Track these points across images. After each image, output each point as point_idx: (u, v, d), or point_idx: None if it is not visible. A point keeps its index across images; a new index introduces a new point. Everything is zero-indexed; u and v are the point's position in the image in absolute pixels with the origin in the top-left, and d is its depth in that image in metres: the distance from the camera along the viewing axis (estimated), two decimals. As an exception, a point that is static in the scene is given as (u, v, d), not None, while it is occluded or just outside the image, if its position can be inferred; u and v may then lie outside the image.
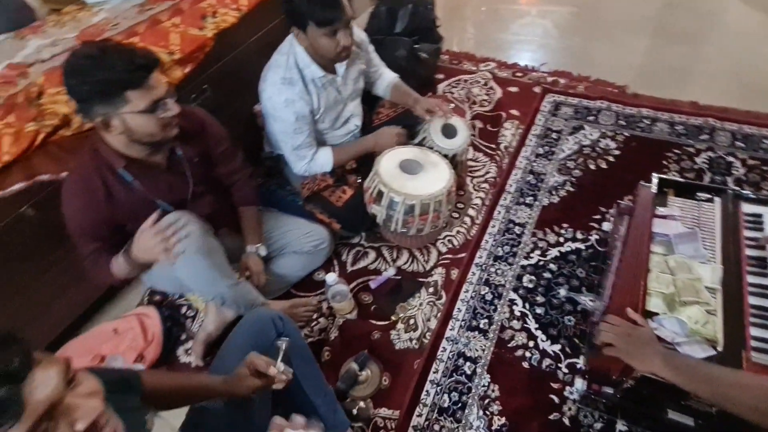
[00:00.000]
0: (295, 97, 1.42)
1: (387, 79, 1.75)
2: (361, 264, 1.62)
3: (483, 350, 1.35)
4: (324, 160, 1.56)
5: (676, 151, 1.78)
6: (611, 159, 1.80)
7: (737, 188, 1.36)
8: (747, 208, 1.22)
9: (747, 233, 1.16)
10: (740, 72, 2.10)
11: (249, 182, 1.47)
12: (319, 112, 1.52)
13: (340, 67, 1.50)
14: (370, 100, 1.84)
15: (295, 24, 1.34)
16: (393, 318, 1.46)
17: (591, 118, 1.98)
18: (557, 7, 2.81)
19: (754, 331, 0.99)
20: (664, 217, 1.23)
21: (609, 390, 1.13)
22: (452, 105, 1.70)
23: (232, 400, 0.97)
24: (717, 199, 1.26)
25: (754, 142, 1.77)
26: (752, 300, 1.04)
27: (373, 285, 1.56)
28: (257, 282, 1.39)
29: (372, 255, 1.65)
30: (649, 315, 1.05)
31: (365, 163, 1.74)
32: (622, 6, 2.70)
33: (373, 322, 1.46)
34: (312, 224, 1.58)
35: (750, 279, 1.07)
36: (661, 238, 1.19)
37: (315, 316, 1.49)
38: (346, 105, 1.63)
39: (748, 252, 1.12)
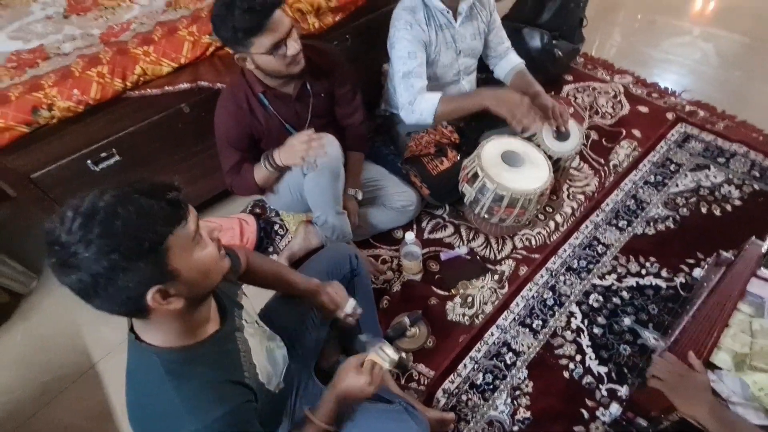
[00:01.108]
0: (414, 22, 1.47)
1: (512, 62, 1.74)
2: (438, 235, 1.72)
3: (529, 347, 1.40)
4: (430, 101, 1.49)
5: (811, 220, 1.60)
6: (728, 208, 1.67)
7: None
8: None
9: None
10: None
11: (361, 129, 1.60)
12: (434, 49, 1.54)
13: (461, 12, 1.53)
14: (491, 83, 1.86)
15: None
16: (453, 291, 1.55)
17: (721, 159, 1.83)
18: (726, 33, 2.53)
19: (825, 420, 0.94)
20: (765, 279, 1.16)
21: (643, 423, 1.13)
22: (572, 110, 1.66)
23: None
24: (835, 281, 1.15)
25: None
26: (834, 390, 0.97)
27: (443, 257, 1.65)
28: (353, 221, 1.54)
29: (450, 229, 1.73)
30: (712, 367, 1.03)
31: (468, 142, 1.80)
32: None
33: (434, 288, 1.56)
34: (405, 185, 1.69)
35: (842, 369, 1.00)
36: (754, 299, 1.13)
37: (385, 268, 1.63)
38: (459, 58, 1.63)
39: None
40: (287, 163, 1.31)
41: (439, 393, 1.33)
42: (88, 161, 1.36)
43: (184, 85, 1.43)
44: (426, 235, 1.72)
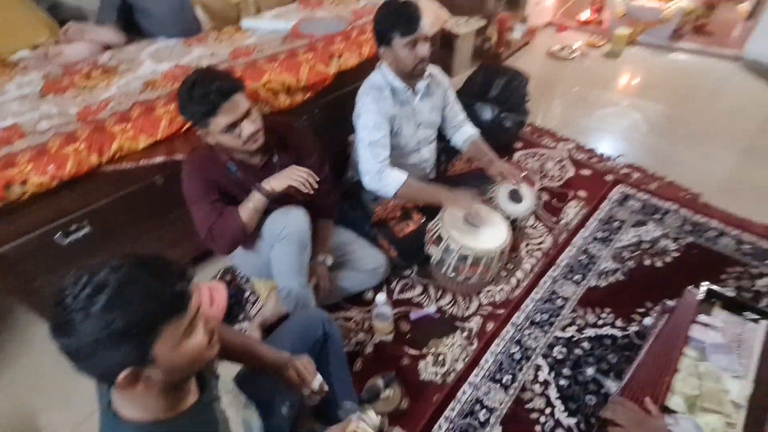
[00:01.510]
0: (381, 98, 1.62)
1: (468, 132, 1.92)
2: (407, 295, 1.77)
3: (500, 403, 1.43)
4: (396, 178, 1.63)
5: (738, 268, 1.78)
6: (668, 260, 1.84)
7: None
8: (792, 337, 1.23)
9: (786, 361, 1.18)
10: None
11: (329, 198, 1.69)
12: (397, 122, 1.69)
13: (419, 91, 1.70)
14: (449, 151, 2.03)
15: (383, 42, 1.57)
16: (425, 350, 1.58)
17: (657, 216, 2.03)
18: (650, 103, 2.90)
19: (770, 456, 1.01)
20: (705, 324, 1.28)
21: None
22: (524, 173, 1.84)
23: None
24: (764, 322, 1.28)
25: (826, 280, 1.74)
26: (777, 426, 1.06)
27: (413, 316, 1.69)
28: (324, 285, 1.58)
29: (418, 289, 1.79)
30: (667, 411, 1.10)
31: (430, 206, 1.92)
32: (717, 118, 2.73)
33: (406, 348, 1.59)
34: (374, 248, 1.77)
35: (779, 405, 1.09)
36: (697, 344, 1.23)
37: (355, 327, 1.65)
38: (419, 130, 1.78)
39: (783, 379, 1.14)
40: (279, 188, 1.33)
41: (415, 457, 1.32)
42: (59, 234, 1.36)
43: (160, 159, 1.49)
44: (396, 296, 1.77)
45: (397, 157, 1.77)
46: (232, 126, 1.24)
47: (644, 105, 2.89)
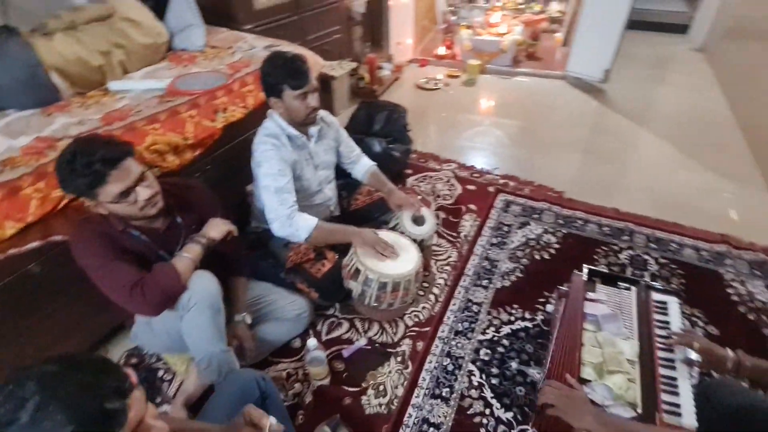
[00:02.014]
0: (280, 145, 1.64)
1: (365, 165, 2.02)
2: (335, 334, 1.77)
3: (445, 416, 1.49)
4: (307, 223, 1.64)
5: (604, 248, 2.13)
6: (552, 251, 2.12)
7: (649, 281, 1.66)
8: (655, 296, 1.51)
9: (656, 316, 1.44)
10: (652, 188, 2.60)
11: (238, 253, 1.64)
12: (298, 166, 1.72)
13: (313, 135, 1.76)
14: (348, 187, 2.11)
15: (273, 94, 1.61)
16: (363, 385, 1.58)
17: (536, 216, 2.34)
18: (506, 120, 3.36)
19: (664, 397, 1.22)
20: (593, 300, 1.50)
21: (553, 451, 1.29)
22: (420, 197, 1.99)
23: None
24: (633, 289, 1.55)
25: (664, 244, 2.16)
26: (662, 371, 1.28)
27: (345, 353, 1.69)
28: (248, 345, 1.50)
29: (345, 325, 1.80)
30: (583, 382, 1.27)
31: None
32: (558, 128, 3.27)
33: (345, 388, 1.57)
34: (293, 294, 1.74)
35: (659, 353, 1.33)
36: (591, 318, 1.45)
37: (291, 380, 1.59)
38: (318, 171, 1.84)
39: (657, 331, 1.39)
40: (218, 236, 1.36)
41: (378, 495, 1.30)
42: None
43: (34, 244, 1.30)
44: (324, 337, 1.75)
45: (303, 199, 1.79)
46: (125, 193, 1.16)
47: (502, 122, 3.34)
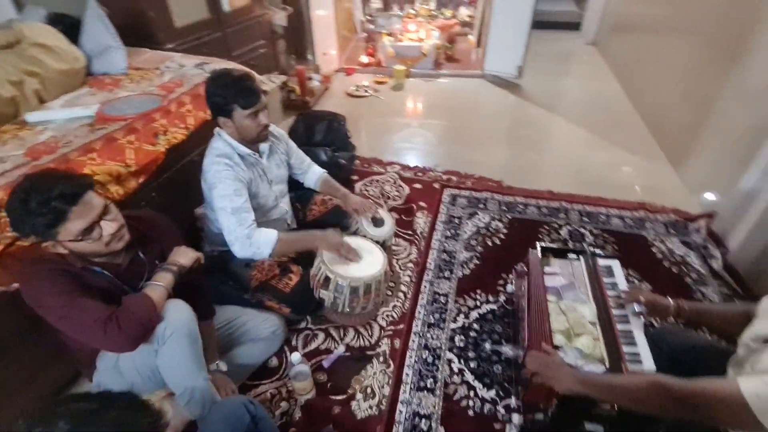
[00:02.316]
0: (233, 164, 1.60)
1: (317, 173, 2.03)
2: (312, 346, 1.75)
3: (434, 406, 1.54)
4: (268, 238, 1.60)
5: (546, 227, 2.32)
6: (502, 236, 2.27)
7: (593, 250, 1.84)
8: (601, 262, 1.68)
9: (605, 279, 1.61)
10: (575, 169, 2.87)
11: (203, 288, 1.54)
12: (253, 184, 1.69)
13: (264, 151, 1.74)
14: (301, 199, 2.10)
15: (222, 114, 1.57)
16: (350, 391, 1.59)
17: (481, 206, 2.49)
18: (438, 120, 3.52)
19: (625, 348, 1.36)
20: (551, 274, 1.64)
21: (540, 417, 1.39)
22: (370, 200, 2.03)
23: None
24: (581, 258, 1.72)
25: (594, 217, 2.40)
26: (619, 327, 1.43)
27: (326, 364, 1.68)
28: (228, 394, 1.44)
29: (321, 336, 1.78)
30: (556, 348, 1.38)
31: (303, 253, 1.94)
32: (484, 123, 3.50)
33: (332, 397, 1.56)
34: (264, 312, 1.69)
35: (614, 312, 1.48)
36: (552, 290, 1.58)
37: (275, 400, 1.55)
38: (272, 186, 1.81)
39: (609, 293, 1.55)
40: (188, 263, 1.31)
41: (384, 495, 1.31)
42: None
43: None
44: (301, 351, 1.72)
45: (260, 216, 1.75)
46: (89, 229, 1.07)
47: (433, 122, 3.51)
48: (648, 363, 1.32)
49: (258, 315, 1.68)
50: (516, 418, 1.49)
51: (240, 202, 1.59)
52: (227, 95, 1.52)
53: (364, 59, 4.35)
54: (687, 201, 2.53)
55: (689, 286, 2.00)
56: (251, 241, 1.59)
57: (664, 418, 1.35)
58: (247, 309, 1.70)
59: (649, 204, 2.49)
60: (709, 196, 2.43)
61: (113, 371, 1.33)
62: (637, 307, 1.45)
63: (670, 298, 1.41)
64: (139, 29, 2.34)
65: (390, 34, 4.38)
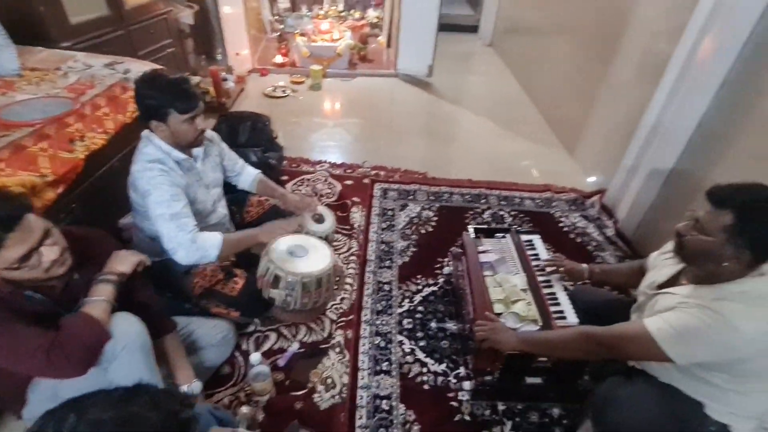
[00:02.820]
0: (168, 169, 1.52)
1: (252, 174, 1.99)
2: (265, 347, 1.73)
3: (392, 386, 1.63)
4: (213, 241, 1.56)
5: (471, 212, 2.54)
6: (433, 223, 2.43)
7: (516, 227, 2.07)
8: (524, 237, 1.90)
9: (529, 252, 1.82)
10: (487, 158, 3.15)
11: (157, 302, 1.45)
12: (191, 189, 1.63)
13: (198, 156, 1.68)
14: (236, 202, 2.05)
15: (155, 117, 1.49)
16: (309, 385, 1.61)
17: (411, 197, 2.63)
18: (359, 118, 3.62)
19: (552, 308, 1.57)
20: (484, 251, 1.82)
21: (489, 377, 1.55)
22: (309, 197, 2.05)
23: None
24: (507, 236, 1.93)
25: (510, 200, 2.67)
26: (545, 290, 1.65)
27: (281, 363, 1.68)
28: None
29: (273, 337, 1.77)
30: (498, 315, 1.55)
31: (243, 258, 1.91)
32: (401, 118, 3.68)
33: (293, 393, 1.58)
34: (212, 319, 1.64)
35: (540, 278, 1.69)
36: (487, 265, 1.75)
37: (233, 405, 1.52)
38: (209, 190, 1.76)
39: (533, 263, 1.77)
40: (128, 269, 1.25)
41: (357, 475, 1.37)
42: None
43: None
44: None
45: (199, 222, 1.68)
46: (26, 257, 0.98)
47: (354, 120, 3.59)
48: (572, 318, 1.54)
49: (206, 322, 1.62)
50: (467, 384, 1.64)
51: (179, 207, 1.52)
52: (163, 99, 1.44)
53: (279, 59, 4.29)
54: (582, 181, 2.93)
55: (591, 253, 2.33)
56: (196, 245, 1.53)
57: (588, 363, 1.59)
58: (192, 317, 1.63)
59: (553, 186, 2.83)
60: (594, 178, 2.84)
61: (51, 401, 1.20)
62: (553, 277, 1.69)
63: (584, 264, 1.66)
64: (29, 26, 2.10)
65: (303, 34, 4.37)
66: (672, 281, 1.32)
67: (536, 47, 4.19)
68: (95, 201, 1.68)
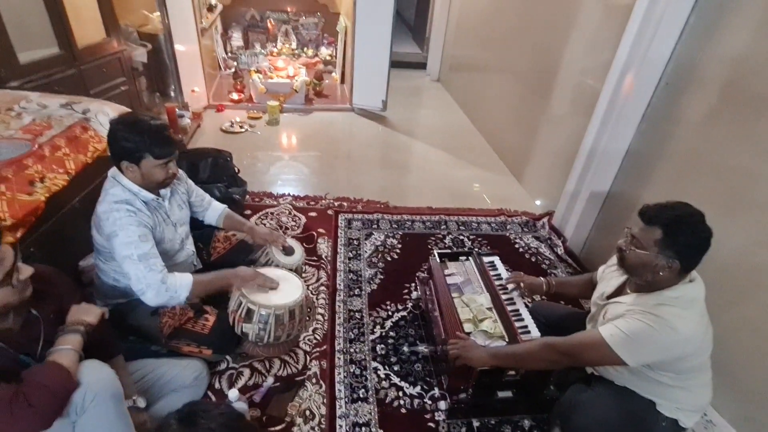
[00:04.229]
0: (136, 210, 1.51)
1: (218, 209, 1.99)
2: (239, 384, 1.70)
3: (370, 413, 1.65)
4: (183, 282, 1.56)
5: (433, 238, 2.65)
6: (398, 251, 2.52)
7: (476, 250, 2.19)
8: (486, 259, 2.03)
9: (491, 272, 1.94)
10: (444, 185, 3.32)
11: (108, 332, 1.43)
12: (158, 229, 1.62)
13: (165, 194, 1.69)
14: (202, 238, 2.04)
15: (128, 159, 1.49)
16: (288, 418, 1.60)
17: (375, 226, 2.72)
18: (317, 152, 3.70)
19: (517, 324, 1.67)
20: (450, 274, 1.92)
21: (463, 395, 1.62)
22: (276, 230, 2.08)
23: None
24: (470, 258, 2.04)
25: (468, 225, 2.83)
26: (509, 307, 1.76)
27: (257, 398, 1.66)
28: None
29: (246, 373, 1.75)
30: (468, 334, 1.63)
31: (212, 295, 1.88)
32: (360, 151, 3.81)
33: (271, 429, 1.56)
34: (183, 359, 1.61)
35: (503, 297, 1.81)
36: (454, 287, 1.85)
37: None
38: (177, 228, 1.76)
39: (496, 282, 1.88)
40: (95, 320, 1.24)
41: (342, 506, 1.37)
42: None
43: None
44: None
45: (167, 260, 1.66)
46: (5, 279, 0.99)
47: (313, 154, 3.67)
48: (534, 332, 1.65)
49: (177, 363, 1.58)
50: (442, 404, 1.69)
51: (147, 248, 1.51)
52: (142, 143, 1.45)
53: (235, 96, 4.33)
54: (532, 204, 3.15)
55: (545, 270, 2.50)
56: (166, 286, 1.52)
57: (552, 373, 1.70)
58: (161, 360, 1.59)
59: (505, 210, 3.02)
60: (542, 201, 3.07)
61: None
62: (514, 293, 1.81)
63: (542, 278, 1.80)
64: (-26, 66, 2.03)
65: (258, 71, 4.44)
66: (618, 291, 1.47)
67: (480, 82, 4.51)
68: (55, 243, 1.62)
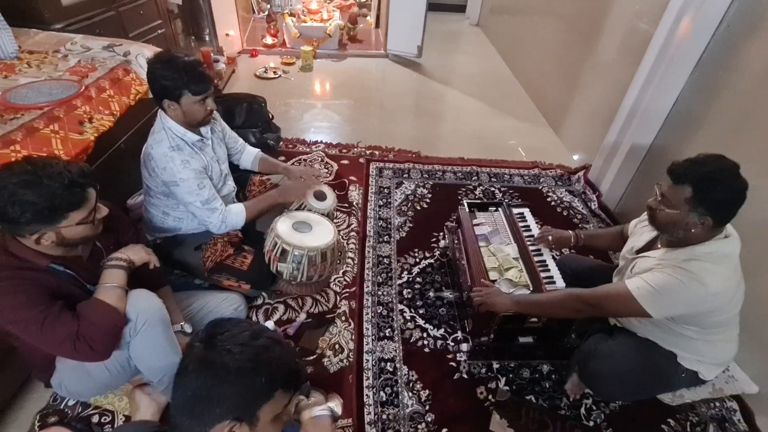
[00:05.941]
0: (188, 158, 1.60)
1: (252, 153, 2.06)
2: (274, 318, 1.83)
3: (395, 351, 1.75)
4: (238, 209, 1.72)
5: (463, 189, 2.65)
6: (428, 200, 2.54)
7: (507, 201, 2.18)
8: (515, 210, 2.02)
9: (520, 224, 1.94)
10: (477, 135, 3.25)
11: (159, 268, 1.55)
12: (209, 169, 1.72)
13: (207, 135, 1.75)
14: (239, 182, 2.11)
15: (168, 97, 1.54)
16: (319, 351, 1.72)
17: (405, 175, 2.73)
18: (350, 99, 3.66)
19: (543, 274, 1.69)
20: (479, 224, 1.93)
21: (485, 338, 1.69)
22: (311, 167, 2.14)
23: None
24: (500, 209, 2.04)
25: (500, 177, 2.79)
26: (536, 258, 1.77)
27: (291, 331, 1.78)
28: None
29: (281, 308, 1.88)
30: (492, 281, 1.67)
31: (250, 236, 1.99)
32: (393, 99, 3.73)
33: (304, 359, 1.69)
34: (223, 292, 1.73)
35: (530, 248, 1.82)
36: (482, 237, 1.87)
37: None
38: (220, 165, 1.84)
39: (524, 234, 1.89)
40: (138, 259, 1.33)
41: (367, 429, 1.50)
42: None
43: None
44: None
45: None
46: (89, 215, 1.13)
47: (347, 101, 3.63)
48: (560, 282, 1.67)
49: (217, 295, 1.71)
50: (464, 346, 1.77)
51: (206, 194, 1.64)
52: (178, 80, 1.49)
53: (269, 40, 4.28)
54: (568, 158, 3.05)
55: (577, 225, 2.47)
56: (226, 222, 1.69)
57: (574, 322, 1.74)
58: (203, 291, 1.73)
59: (540, 162, 2.95)
60: (579, 155, 2.97)
61: (78, 370, 1.30)
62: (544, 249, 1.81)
63: (570, 232, 1.79)
64: (21, 8, 2.09)
65: (292, 14, 4.34)
66: (649, 246, 1.45)
67: (522, 27, 4.26)
68: (104, 182, 1.70)
